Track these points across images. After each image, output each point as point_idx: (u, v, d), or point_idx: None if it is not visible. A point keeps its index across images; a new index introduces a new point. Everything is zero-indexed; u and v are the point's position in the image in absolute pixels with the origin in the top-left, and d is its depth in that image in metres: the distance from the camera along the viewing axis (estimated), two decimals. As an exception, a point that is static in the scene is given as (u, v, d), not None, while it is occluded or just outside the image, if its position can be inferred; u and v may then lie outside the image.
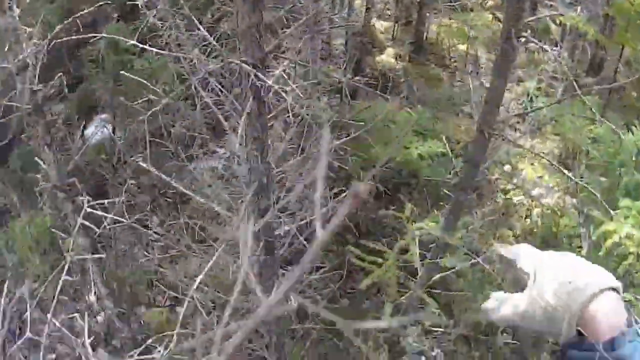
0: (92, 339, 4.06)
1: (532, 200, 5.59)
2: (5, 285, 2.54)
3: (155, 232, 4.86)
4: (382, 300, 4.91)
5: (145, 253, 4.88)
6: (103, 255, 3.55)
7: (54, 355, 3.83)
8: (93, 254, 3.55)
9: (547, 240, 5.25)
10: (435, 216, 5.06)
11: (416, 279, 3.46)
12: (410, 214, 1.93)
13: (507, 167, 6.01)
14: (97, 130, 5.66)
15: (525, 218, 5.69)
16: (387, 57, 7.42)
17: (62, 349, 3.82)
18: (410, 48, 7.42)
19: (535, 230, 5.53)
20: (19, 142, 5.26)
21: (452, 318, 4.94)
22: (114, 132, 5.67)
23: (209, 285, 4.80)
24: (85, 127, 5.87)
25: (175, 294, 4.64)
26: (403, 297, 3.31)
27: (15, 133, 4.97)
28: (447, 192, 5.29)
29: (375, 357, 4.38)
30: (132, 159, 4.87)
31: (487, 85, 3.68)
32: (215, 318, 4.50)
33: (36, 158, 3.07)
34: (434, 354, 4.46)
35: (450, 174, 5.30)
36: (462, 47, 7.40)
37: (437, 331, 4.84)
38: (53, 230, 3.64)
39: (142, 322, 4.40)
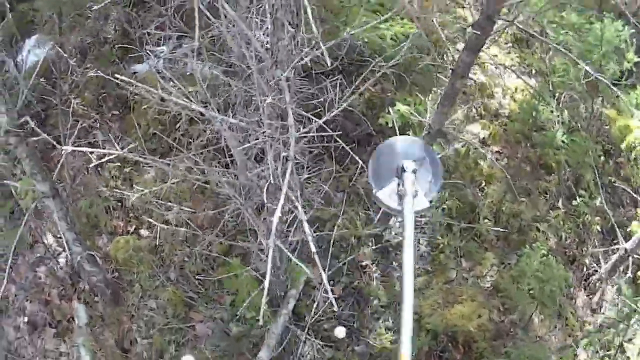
0: (59, 288, 4.03)
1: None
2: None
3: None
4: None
5: (99, 175, 4.77)
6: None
7: (25, 318, 3.74)
8: (53, 196, 3.45)
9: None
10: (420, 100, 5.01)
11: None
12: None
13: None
14: (31, 51, 5.39)
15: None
16: None
17: (32, 308, 3.72)
18: None
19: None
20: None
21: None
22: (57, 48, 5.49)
23: (171, 200, 4.66)
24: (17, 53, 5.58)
25: (136, 215, 4.49)
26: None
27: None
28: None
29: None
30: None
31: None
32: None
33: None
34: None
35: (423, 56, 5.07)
36: None
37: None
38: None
39: (107, 255, 4.36)
